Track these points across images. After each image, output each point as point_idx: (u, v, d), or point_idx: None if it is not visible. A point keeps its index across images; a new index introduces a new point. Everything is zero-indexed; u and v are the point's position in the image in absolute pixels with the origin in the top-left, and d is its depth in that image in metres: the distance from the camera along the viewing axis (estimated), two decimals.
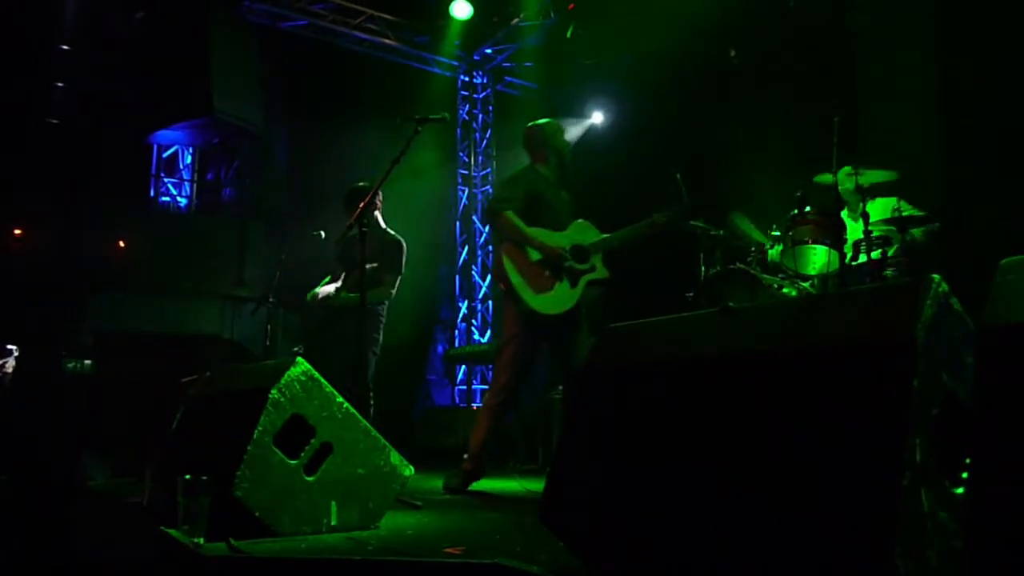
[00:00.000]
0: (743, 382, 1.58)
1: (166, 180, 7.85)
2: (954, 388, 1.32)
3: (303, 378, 2.67)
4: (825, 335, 1.44)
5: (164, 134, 7.32)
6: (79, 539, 3.66)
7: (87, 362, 6.87)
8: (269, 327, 6.51)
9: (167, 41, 6.82)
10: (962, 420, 1.30)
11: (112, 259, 7.15)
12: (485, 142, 9.73)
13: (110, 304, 7.08)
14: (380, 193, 5.41)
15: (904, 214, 4.88)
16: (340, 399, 2.75)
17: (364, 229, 3.70)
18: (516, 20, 8.71)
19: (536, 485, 3.95)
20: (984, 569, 1.07)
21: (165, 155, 7.84)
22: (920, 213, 4.85)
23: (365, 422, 2.82)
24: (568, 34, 8.35)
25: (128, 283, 7.15)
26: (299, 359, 2.71)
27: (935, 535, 1.21)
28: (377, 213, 4.89)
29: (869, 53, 5.98)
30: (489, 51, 9.32)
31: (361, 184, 4.78)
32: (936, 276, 1.34)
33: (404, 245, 4.81)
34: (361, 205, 3.75)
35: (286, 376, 2.63)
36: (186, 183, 7.93)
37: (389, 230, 4.89)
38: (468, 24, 8.62)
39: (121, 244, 7.20)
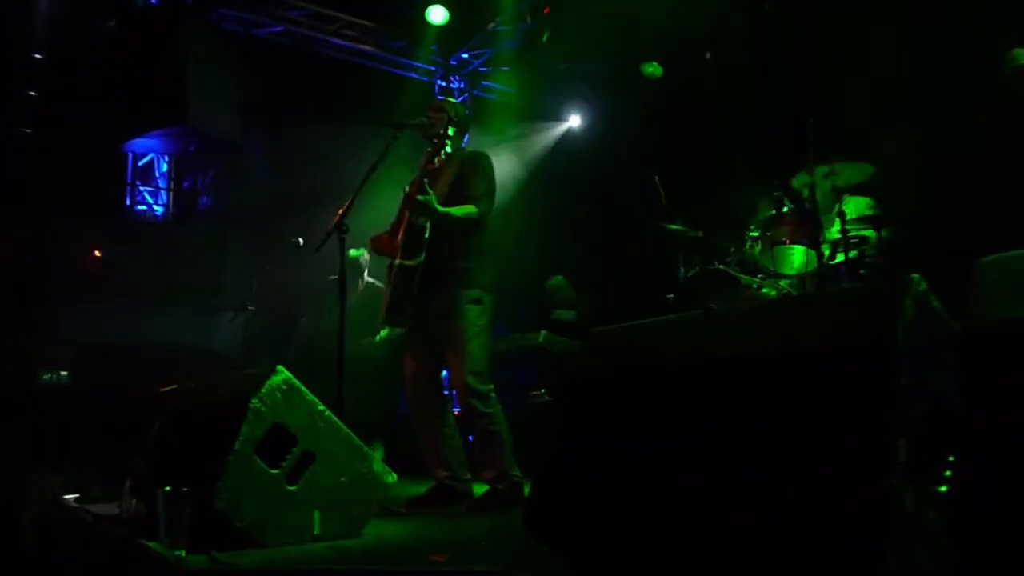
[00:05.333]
0: (729, 384, 1.58)
1: (142, 189, 7.76)
2: (935, 386, 1.33)
3: (284, 387, 2.64)
4: (808, 336, 1.45)
5: (139, 142, 7.22)
6: (55, 556, 3.60)
7: (63, 373, 6.79)
8: (248, 336, 6.46)
9: (141, 48, 6.74)
10: (944, 418, 1.31)
11: (88, 269, 7.06)
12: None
13: (86, 315, 6.99)
14: None
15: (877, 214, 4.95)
16: (321, 407, 2.73)
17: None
18: (492, 25, 8.70)
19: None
20: (971, 567, 1.08)
21: (141, 163, 7.74)
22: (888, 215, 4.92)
23: (347, 430, 2.80)
24: (544, 38, 8.36)
25: (104, 293, 7.06)
26: (279, 367, 2.69)
27: (921, 535, 1.22)
28: None
29: (842, 51, 6.04)
30: (466, 56, 9.31)
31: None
32: (916, 276, 1.35)
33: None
34: (340, 211, 3.72)
35: (267, 385, 2.60)
36: (162, 191, 7.85)
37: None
38: (444, 29, 8.61)
39: (97, 254, 7.11)
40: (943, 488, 1.29)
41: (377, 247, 4.08)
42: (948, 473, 1.31)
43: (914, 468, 1.26)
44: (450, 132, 3.91)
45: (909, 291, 1.31)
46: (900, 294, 1.30)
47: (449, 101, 4.28)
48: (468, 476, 3.93)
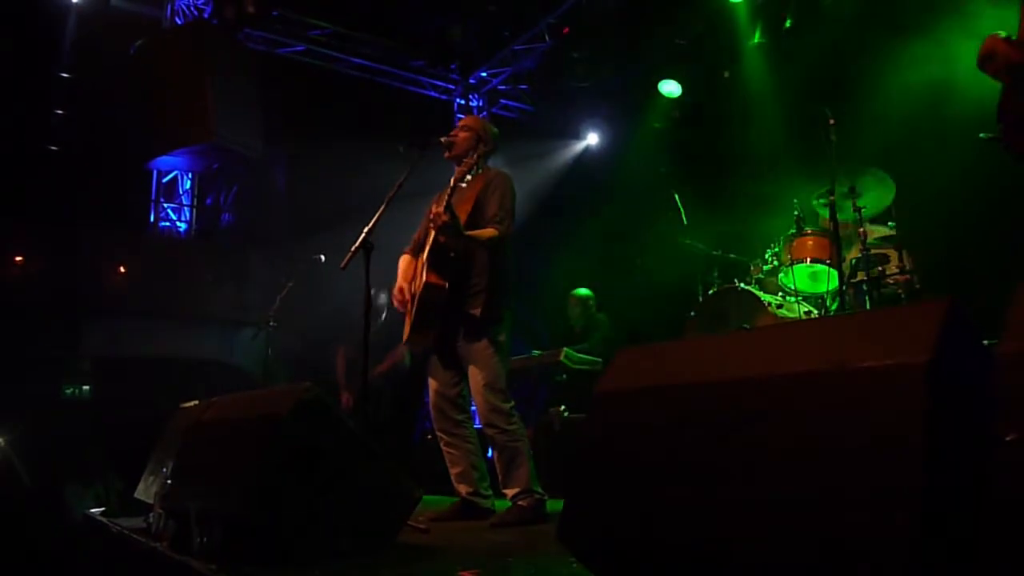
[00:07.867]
0: (760, 404, 1.60)
1: (165, 205, 7.86)
2: (968, 412, 1.34)
3: (314, 403, 2.67)
4: (846, 357, 1.46)
5: (164, 160, 7.33)
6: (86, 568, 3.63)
7: (85, 388, 6.85)
8: (269, 351, 6.50)
9: (166, 67, 6.86)
10: (976, 444, 1.32)
11: (112, 284, 7.15)
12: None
13: (109, 330, 7.07)
14: None
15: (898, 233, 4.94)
16: (351, 423, 2.76)
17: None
18: (511, 44, 8.81)
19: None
20: None
21: (165, 180, 7.85)
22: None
23: (375, 446, 2.82)
24: (564, 57, 8.45)
25: (128, 308, 7.15)
26: (309, 384, 2.72)
27: (957, 557, 1.23)
28: None
29: (861, 67, 6.06)
30: (485, 74, 9.40)
31: None
32: (954, 297, 1.36)
33: None
34: (366, 230, 3.75)
35: (298, 402, 2.63)
36: (185, 208, 7.94)
37: None
38: (464, 48, 8.71)
39: (121, 269, 7.20)
40: (978, 510, 1.30)
41: (405, 276, 4.12)
42: (981, 495, 1.32)
43: (949, 489, 1.28)
44: (481, 156, 3.98)
45: (948, 312, 1.32)
46: (936, 316, 1.32)
47: (480, 120, 4.32)
48: (490, 492, 3.94)
